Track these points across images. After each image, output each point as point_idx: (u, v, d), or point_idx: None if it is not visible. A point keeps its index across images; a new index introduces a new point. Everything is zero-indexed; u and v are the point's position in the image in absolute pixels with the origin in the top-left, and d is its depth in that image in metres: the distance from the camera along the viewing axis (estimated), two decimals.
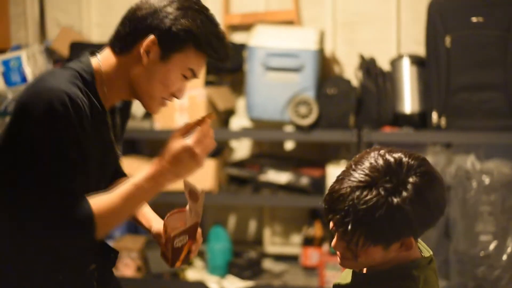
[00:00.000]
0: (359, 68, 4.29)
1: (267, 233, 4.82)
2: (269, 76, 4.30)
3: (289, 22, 4.64)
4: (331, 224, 1.75)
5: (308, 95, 4.24)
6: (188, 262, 2.17)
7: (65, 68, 1.95)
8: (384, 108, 4.21)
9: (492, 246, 3.93)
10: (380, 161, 1.72)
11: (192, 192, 2.02)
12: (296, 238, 4.75)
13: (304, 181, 4.37)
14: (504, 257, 3.91)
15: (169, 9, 1.93)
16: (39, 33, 5.01)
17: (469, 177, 4.00)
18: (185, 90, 2.02)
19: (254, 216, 4.85)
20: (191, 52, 1.93)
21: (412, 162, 1.72)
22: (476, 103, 4.06)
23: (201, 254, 4.57)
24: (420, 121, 4.20)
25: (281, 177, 4.40)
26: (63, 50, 4.64)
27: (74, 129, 1.82)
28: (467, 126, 4.08)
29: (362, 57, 4.28)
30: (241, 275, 4.41)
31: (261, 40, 4.34)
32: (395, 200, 1.67)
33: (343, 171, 1.78)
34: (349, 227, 1.68)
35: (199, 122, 1.91)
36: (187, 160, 1.86)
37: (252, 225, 4.86)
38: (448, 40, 4.06)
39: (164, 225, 2.07)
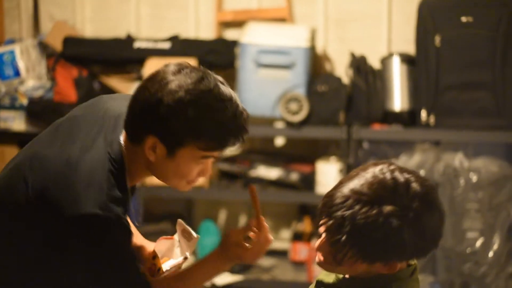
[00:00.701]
0: (349, 66, 4.32)
1: None
2: (261, 72, 4.34)
3: (281, 20, 4.67)
4: (321, 228, 1.70)
5: (299, 92, 4.27)
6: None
7: (99, 161, 1.85)
8: (374, 105, 4.24)
9: (478, 243, 3.97)
10: (388, 178, 1.66)
11: (185, 232, 2.07)
12: (286, 233, 4.77)
13: (294, 177, 4.40)
14: (491, 254, 3.95)
15: (164, 104, 1.79)
16: (32, 27, 5.02)
17: (457, 175, 4.03)
18: (210, 169, 1.93)
19: (244, 211, 4.87)
20: (195, 146, 1.83)
21: (420, 188, 1.66)
22: (464, 102, 4.10)
23: None
24: (409, 118, 4.24)
25: (271, 172, 4.44)
26: (57, 44, 4.66)
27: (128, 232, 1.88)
28: (455, 125, 4.12)
29: (352, 55, 4.31)
30: (230, 270, 4.44)
31: (253, 37, 4.38)
32: (395, 223, 1.62)
33: (347, 177, 1.72)
34: (343, 238, 1.64)
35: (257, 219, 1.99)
36: (237, 262, 2.01)
37: (242, 220, 4.89)
38: (438, 40, 4.10)
39: (154, 251, 2.08)
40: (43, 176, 1.83)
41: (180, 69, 1.84)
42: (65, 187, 1.80)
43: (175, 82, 1.79)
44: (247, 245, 1.95)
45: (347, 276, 1.79)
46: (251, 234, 1.96)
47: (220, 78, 1.86)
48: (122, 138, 1.89)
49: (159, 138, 1.81)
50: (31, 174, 1.85)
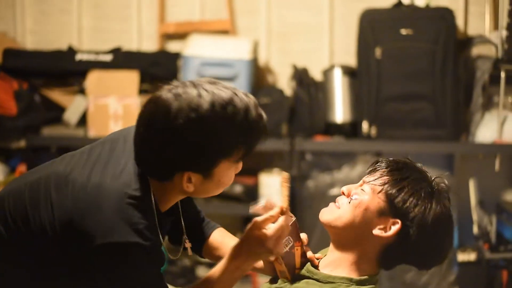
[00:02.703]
0: (292, 78, 4.34)
1: None
2: None
3: (224, 32, 4.67)
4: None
5: None
6: (305, 264, 2.01)
7: (134, 201, 1.81)
8: (316, 117, 4.26)
9: None
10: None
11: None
12: None
13: (238, 189, 4.39)
14: None
15: (188, 138, 1.75)
16: None
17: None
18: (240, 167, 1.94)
19: None
20: (227, 160, 1.82)
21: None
22: (405, 113, 4.13)
23: None
24: (351, 130, 4.26)
25: None
26: None
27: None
28: (396, 136, 4.15)
29: (295, 67, 4.33)
30: (174, 283, 4.38)
31: (196, 49, 4.37)
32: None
33: None
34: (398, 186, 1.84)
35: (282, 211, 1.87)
36: (260, 252, 1.85)
37: None
38: (378, 52, 4.13)
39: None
40: (72, 200, 1.80)
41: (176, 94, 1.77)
42: (96, 215, 1.77)
43: (182, 114, 1.74)
44: (268, 228, 1.84)
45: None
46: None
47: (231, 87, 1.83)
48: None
49: (191, 170, 1.79)
50: (57, 195, 1.82)
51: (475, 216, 4.18)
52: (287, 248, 1.94)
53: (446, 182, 1.91)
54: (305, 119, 4.26)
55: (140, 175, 1.82)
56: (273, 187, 4.24)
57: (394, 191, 1.84)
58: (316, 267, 1.96)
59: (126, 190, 1.79)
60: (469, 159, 4.38)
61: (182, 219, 2.06)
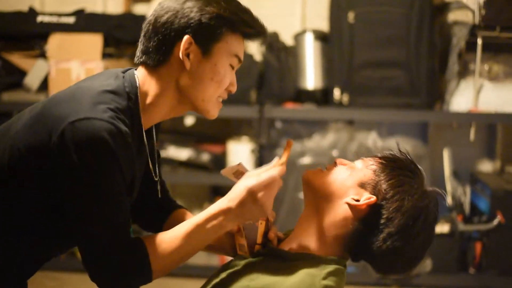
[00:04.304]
0: (261, 42, 4.17)
1: None
2: None
3: None
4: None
5: None
6: (267, 243, 1.86)
7: (111, 93, 1.75)
8: (287, 83, 4.16)
9: None
10: None
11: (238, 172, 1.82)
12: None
13: (205, 157, 4.29)
14: None
15: (190, 3, 1.77)
16: None
17: (370, 154, 3.98)
18: (235, 83, 1.86)
19: None
20: (229, 37, 1.77)
21: None
22: (378, 80, 4.05)
23: None
24: (322, 97, 4.17)
25: (182, 153, 4.31)
26: None
27: (122, 164, 1.67)
28: (369, 103, 4.07)
29: None
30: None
31: None
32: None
33: None
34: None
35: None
36: (250, 204, 1.70)
37: None
38: (351, 16, 4.03)
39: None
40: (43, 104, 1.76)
41: None
42: (70, 101, 1.70)
43: None
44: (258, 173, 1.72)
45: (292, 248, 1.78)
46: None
47: None
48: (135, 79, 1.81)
49: (193, 36, 1.75)
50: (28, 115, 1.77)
51: (448, 187, 4.13)
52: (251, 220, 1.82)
53: (443, 196, 1.82)
54: (275, 86, 4.15)
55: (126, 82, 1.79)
56: (242, 155, 4.14)
57: (382, 174, 1.74)
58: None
59: (106, 88, 1.74)
60: (444, 128, 4.36)
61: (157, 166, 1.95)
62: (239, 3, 1.82)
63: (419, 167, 1.81)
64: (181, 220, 1.93)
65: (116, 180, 1.66)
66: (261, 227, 1.83)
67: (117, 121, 1.66)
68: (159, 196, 1.98)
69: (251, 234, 1.84)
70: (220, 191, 4.44)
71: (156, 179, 1.94)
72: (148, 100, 1.79)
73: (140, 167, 1.84)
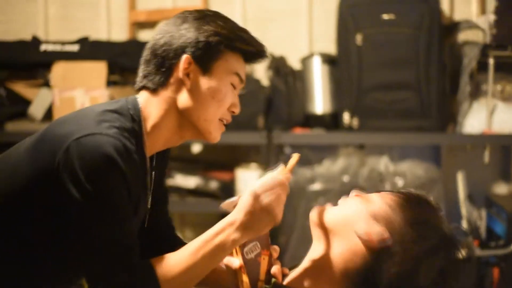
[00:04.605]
0: (268, 67, 4.17)
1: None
2: None
3: None
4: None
5: None
6: (271, 282, 1.77)
7: (115, 113, 1.74)
8: (295, 108, 4.10)
9: None
10: None
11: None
12: None
13: (213, 185, 4.23)
14: None
15: (186, 25, 1.79)
16: None
17: (382, 179, 3.95)
18: (238, 103, 1.86)
19: None
20: (228, 55, 1.79)
21: None
22: (388, 103, 3.98)
23: None
24: (331, 121, 4.10)
25: (189, 181, 4.25)
26: None
27: (129, 180, 1.64)
28: (380, 127, 4.00)
29: (272, 56, 4.15)
30: None
31: None
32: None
33: None
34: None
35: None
36: (258, 211, 1.63)
37: None
38: (359, 38, 3.97)
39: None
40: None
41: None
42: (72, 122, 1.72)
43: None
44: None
45: None
46: None
47: None
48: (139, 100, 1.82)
49: (192, 55, 1.77)
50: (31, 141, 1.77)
51: (464, 211, 4.05)
52: (252, 255, 1.74)
53: (465, 232, 1.74)
54: (283, 111, 4.09)
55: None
56: (251, 182, 4.05)
57: (398, 208, 1.65)
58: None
59: (110, 108, 1.76)
60: (457, 151, 4.27)
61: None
62: (236, 24, 1.84)
63: (439, 205, 1.71)
64: None
65: (122, 197, 1.62)
66: (263, 262, 1.74)
67: (122, 137, 1.64)
68: (145, 225, 1.91)
69: (253, 270, 1.74)
70: None
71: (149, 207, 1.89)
72: (150, 123, 1.77)
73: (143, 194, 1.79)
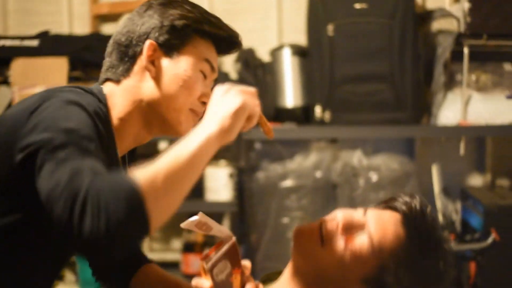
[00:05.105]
0: (237, 59, 4.07)
1: (145, 239, 4.54)
2: None
3: None
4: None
5: None
6: None
7: (85, 93, 1.60)
8: (265, 102, 3.96)
9: None
10: None
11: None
12: (176, 244, 4.49)
13: None
14: None
15: (150, 11, 1.70)
16: None
17: (356, 174, 3.88)
18: (210, 94, 1.62)
19: None
20: (197, 41, 1.70)
21: None
22: (361, 95, 3.89)
23: (71, 266, 4.22)
24: (303, 115, 4.00)
25: None
26: None
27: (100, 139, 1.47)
28: (353, 120, 3.90)
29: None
30: None
31: None
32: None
33: None
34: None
35: None
36: (222, 96, 1.52)
37: None
38: (330, 29, 3.86)
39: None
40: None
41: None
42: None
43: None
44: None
45: None
46: None
47: None
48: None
49: (156, 40, 1.67)
50: None
51: (439, 204, 3.97)
52: (223, 276, 1.61)
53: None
54: None
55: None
56: (220, 180, 3.96)
57: (398, 254, 1.55)
58: None
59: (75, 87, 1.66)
60: (432, 143, 4.22)
61: None
62: (205, 9, 1.75)
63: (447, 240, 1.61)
64: (152, 274, 1.75)
65: (93, 137, 1.44)
66: (236, 282, 1.63)
67: (98, 108, 1.55)
68: None
69: None
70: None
71: None
72: (116, 115, 1.66)
73: None
